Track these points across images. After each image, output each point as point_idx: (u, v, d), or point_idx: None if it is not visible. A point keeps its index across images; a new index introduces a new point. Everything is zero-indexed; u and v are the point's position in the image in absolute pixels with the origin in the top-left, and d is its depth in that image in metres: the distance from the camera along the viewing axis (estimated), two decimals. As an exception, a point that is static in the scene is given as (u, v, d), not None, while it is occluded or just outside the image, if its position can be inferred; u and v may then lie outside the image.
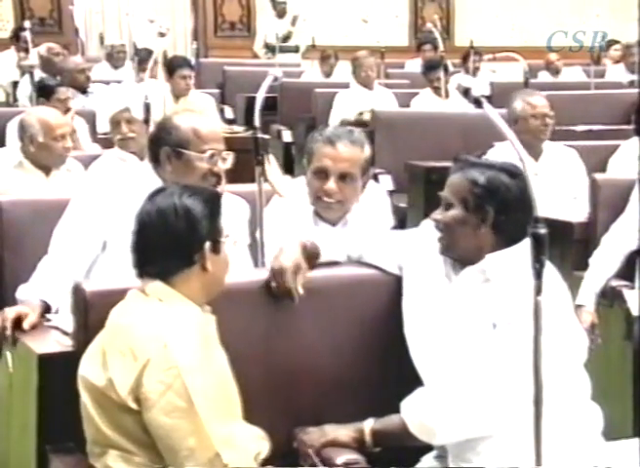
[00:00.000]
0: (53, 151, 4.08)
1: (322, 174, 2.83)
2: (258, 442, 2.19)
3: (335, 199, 2.83)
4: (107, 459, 2.11)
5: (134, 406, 2.05)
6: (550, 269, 2.02)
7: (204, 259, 2.17)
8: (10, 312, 2.59)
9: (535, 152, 4.52)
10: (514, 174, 2.33)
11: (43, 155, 4.08)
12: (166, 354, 2.04)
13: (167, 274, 2.16)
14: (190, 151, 2.76)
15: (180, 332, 2.08)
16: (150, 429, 2.06)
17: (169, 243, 2.16)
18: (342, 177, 2.83)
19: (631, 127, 4.77)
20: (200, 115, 2.95)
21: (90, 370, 2.10)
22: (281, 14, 10.25)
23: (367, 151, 2.89)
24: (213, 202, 2.23)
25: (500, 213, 2.32)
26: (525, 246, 2.25)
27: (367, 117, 6.40)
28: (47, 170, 4.11)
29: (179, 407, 2.03)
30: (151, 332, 2.07)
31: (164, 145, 2.80)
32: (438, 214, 2.41)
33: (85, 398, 2.11)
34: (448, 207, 2.39)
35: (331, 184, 2.82)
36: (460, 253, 2.38)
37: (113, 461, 2.10)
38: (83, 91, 6.46)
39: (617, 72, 9.01)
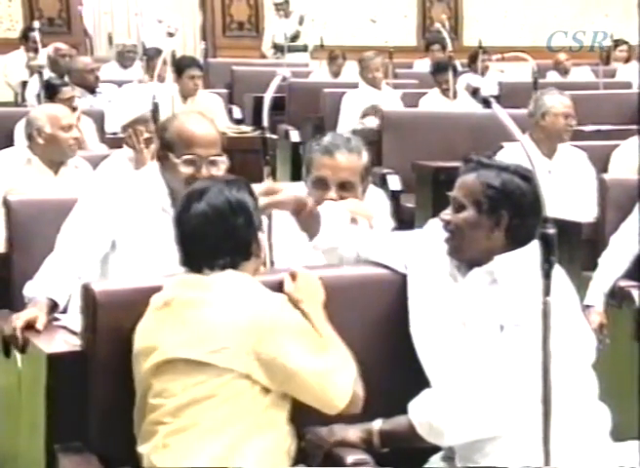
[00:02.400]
0: (61, 142, 4.08)
1: (322, 184, 2.81)
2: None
3: None
4: None
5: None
6: (558, 270, 2.01)
7: (259, 250, 2.27)
8: (19, 320, 2.58)
9: (549, 151, 4.55)
10: (527, 177, 2.32)
11: (52, 148, 4.08)
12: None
13: (228, 268, 2.22)
14: (173, 155, 2.74)
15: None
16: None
17: (230, 239, 2.21)
18: (342, 186, 2.80)
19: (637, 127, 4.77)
20: (196, 118, 2.85)
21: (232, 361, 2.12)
22: (285, 14, 10.25)
23: (365, 158, 2.86)
24: (252, 192, 2.31)
25: (515, 217, 2.30)
26: (532, 247, 2.25)
27: (371, 124, 6.40)
28: (55, 167, 4.12)
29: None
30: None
31: (159, 146, 2.81)
32: (448, 215, 2.39)
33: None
34: (459, 208, 2.36)
35: (332, 194, 2.79)
36: (469, 256, 2.36)
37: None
38: (92, 91, 6.47)
39: (628, 72, 8.98)
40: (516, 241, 2.32)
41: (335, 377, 2.18)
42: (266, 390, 2.16)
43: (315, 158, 2.85)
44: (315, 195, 2.83)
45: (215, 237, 2.21)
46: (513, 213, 2.31)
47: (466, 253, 2.37)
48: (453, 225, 2.36)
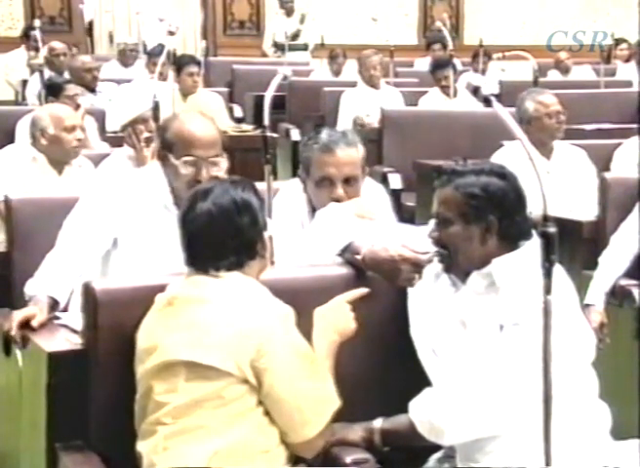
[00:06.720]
0: (64, 143, 4.08)
1: (327, 182, 2.81)
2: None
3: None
4: None
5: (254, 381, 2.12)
6: (558, 268, 2.01)
7: (265, 250, 2.26)
8: (18, 315, 2.58)
9: (546, 151, 4.53)
10: (503, 174, 2.31)
11: (55, 148, 4.08)
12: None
13: (234, 268, 2.21)
14: (173, 156, 2.73)
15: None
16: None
17: (235, 239, 2.21)
18: (347, 181, 2.80)
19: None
20: (197, 118, 2.83)
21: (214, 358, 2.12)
22: (289, 12, 10.26)
23: (361, 150, 2.88)
24: (257, 192, 2.31)
25: (503, 218, 2.29)
26: (530, 247, 2.26)
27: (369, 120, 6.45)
28: (60, 166, 4.12)
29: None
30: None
31: (159, 146, 2.81)
32: (436, 233, 2.36)
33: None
34: (446, 223, 2.33)
35: (339, 191, 2.79)
36: (468, 267, 2.35)
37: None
38: (92, 89, 6.47)
39: (628, 71, 8.98)
40: (510, 240, 2.31)
41: (314, 405, 2.17)
42: None
43: (315, 157, 2.83)
44: (321, 195, 2.82)
45: (220, 236, 2.21)
46: (501, 215, 2.29)
47: (464, 266, 2.35)
48: (444, 242, 2.34)
